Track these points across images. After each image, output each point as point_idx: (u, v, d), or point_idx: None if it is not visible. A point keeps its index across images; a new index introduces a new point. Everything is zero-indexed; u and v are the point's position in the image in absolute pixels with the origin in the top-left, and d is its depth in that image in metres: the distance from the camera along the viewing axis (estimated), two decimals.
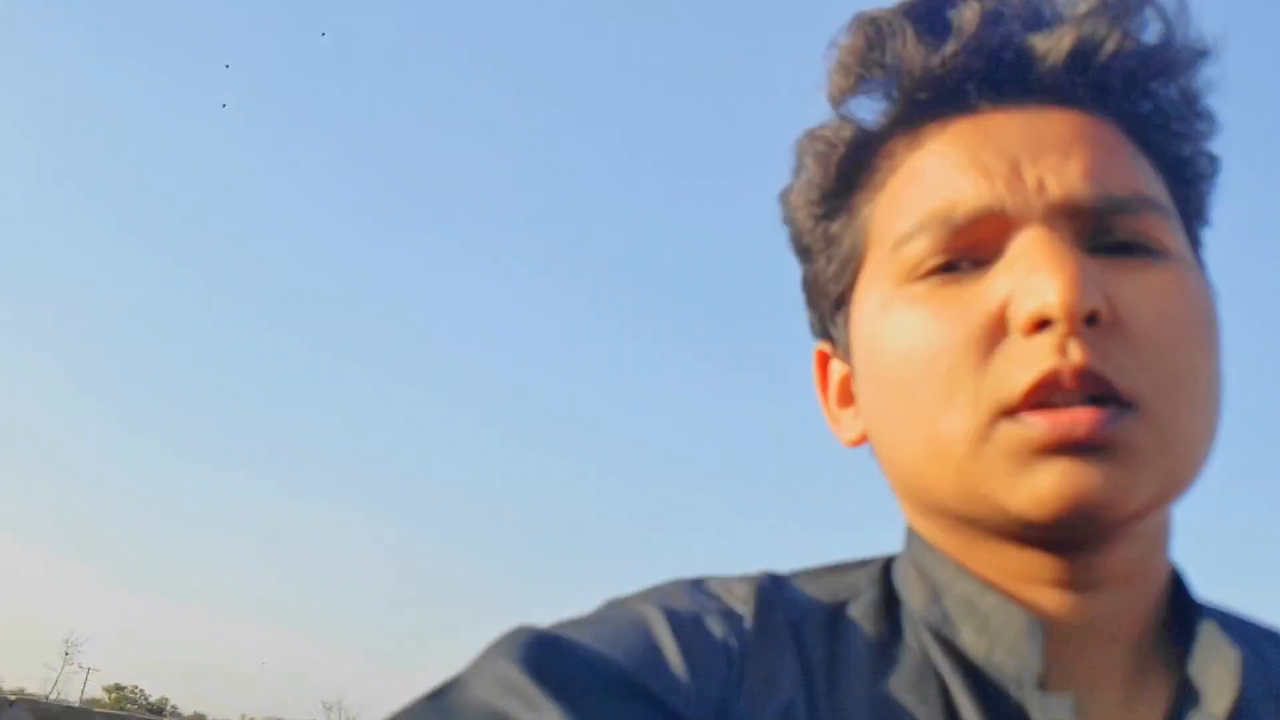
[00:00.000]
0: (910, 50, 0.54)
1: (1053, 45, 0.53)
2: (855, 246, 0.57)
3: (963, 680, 0.49)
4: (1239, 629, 0.55)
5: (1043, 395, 0.46)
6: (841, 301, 0.58)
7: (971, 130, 0.53)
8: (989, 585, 0.51)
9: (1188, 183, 0.56)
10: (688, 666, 0.48)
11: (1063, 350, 0.46)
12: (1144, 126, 0.54)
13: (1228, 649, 0.49)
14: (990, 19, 0.53)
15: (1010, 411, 0.47)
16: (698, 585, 0.54)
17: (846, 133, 0.57)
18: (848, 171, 0.57)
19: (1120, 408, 0.46)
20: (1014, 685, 0.48)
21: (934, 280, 0.51)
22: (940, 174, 0.53)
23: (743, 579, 0.55)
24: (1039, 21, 0.54)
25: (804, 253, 0.61)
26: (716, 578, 0.55)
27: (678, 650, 0.48)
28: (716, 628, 0.51)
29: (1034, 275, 0.47)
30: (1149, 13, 0.54)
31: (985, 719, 0.48)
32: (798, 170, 0.60)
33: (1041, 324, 0.47)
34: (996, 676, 0.49)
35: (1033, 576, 0.51)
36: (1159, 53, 0.54)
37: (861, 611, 0.53)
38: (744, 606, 0.52)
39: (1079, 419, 0.46)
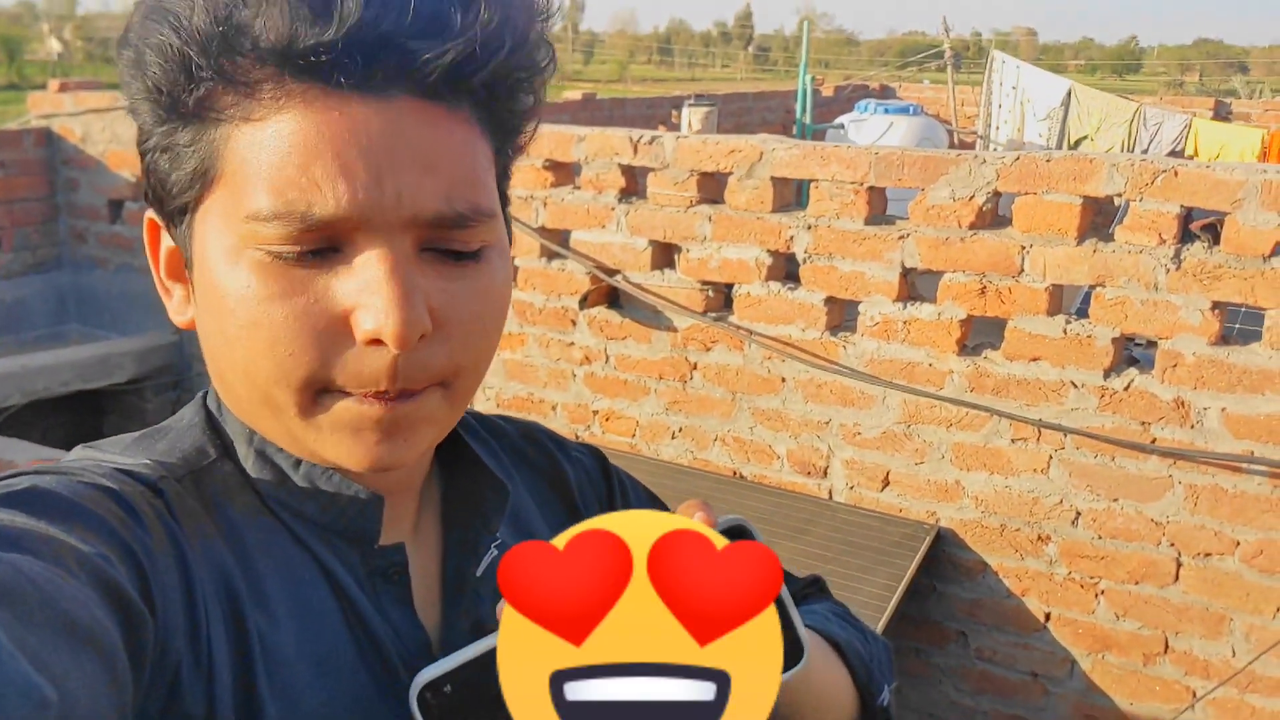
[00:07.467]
0: (280, 23, 0.51)
1: (435, 57, 0.53)
2: (207, 170, 0.55)
3: (322, 543, 0.61)
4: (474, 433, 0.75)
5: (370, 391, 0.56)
6: (185, 209, 0.57)
7: (339, 117, 0.53)
8: (329, 469, 0.61)
9: (514, 146, 0.63)
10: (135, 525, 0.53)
11: (393, 372, 0.55)
12: (494, 116, 0.59)
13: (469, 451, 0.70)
14: (374, 15, 0.51)
15: (340, 391, 0.56)
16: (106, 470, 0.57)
17: (213, 42, 0.52)
18: (206, 79, 0.53)
19: (441, 387, 0.58)
20: (358, 543, 0.62)
21: (279, 258, 0.54)
22: (301, 159, 0.52)
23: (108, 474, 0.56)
24: (422, 28, 0.53)
25: (145, 137, 0.58)
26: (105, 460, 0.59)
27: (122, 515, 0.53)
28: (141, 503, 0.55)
29: (377, 297, 0.54)
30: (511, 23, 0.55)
31: (349, 572, 0.61)
32: (144, 40, 0.54)
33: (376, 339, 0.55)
34: (340, 540, 0.62)
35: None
36: (520, 58, 0.56)
37: (223, 483, 0.61)
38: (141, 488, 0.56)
39: (398, 411, 0.57)
